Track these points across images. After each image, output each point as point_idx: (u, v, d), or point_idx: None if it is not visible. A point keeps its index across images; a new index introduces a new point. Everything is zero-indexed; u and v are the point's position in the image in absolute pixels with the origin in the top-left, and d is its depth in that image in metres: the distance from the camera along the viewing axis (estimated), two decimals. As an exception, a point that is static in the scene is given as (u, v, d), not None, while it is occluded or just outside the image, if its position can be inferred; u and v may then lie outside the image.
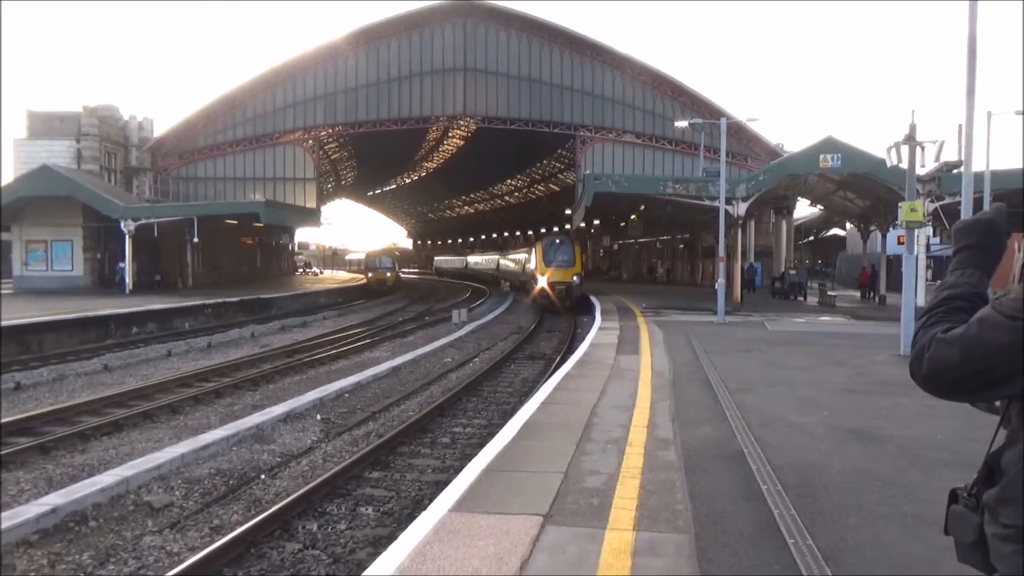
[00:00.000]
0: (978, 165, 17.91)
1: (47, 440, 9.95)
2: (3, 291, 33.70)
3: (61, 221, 34.99)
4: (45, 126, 41.45)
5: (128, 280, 32.70)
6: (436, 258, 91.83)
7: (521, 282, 40.76)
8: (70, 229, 35.48)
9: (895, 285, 29.51)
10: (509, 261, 48.73)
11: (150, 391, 13.76)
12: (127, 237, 32.90)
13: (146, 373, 16.41)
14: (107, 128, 42.96)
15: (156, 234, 34.42)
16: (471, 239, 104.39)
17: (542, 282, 32.04)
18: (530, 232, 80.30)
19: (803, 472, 6.52)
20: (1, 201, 32.22)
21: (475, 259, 68.69)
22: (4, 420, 11.06)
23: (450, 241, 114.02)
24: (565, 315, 29.52)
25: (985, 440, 1.76)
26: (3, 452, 9.29)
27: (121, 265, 33.65)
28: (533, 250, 35.01)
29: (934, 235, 29.10)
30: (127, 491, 7.88)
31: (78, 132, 41.33)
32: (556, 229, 65.13)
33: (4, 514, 6.93)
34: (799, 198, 39.90)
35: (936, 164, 18.96)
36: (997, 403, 1.70)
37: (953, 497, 1.74)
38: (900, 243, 17.69)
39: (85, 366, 16.92)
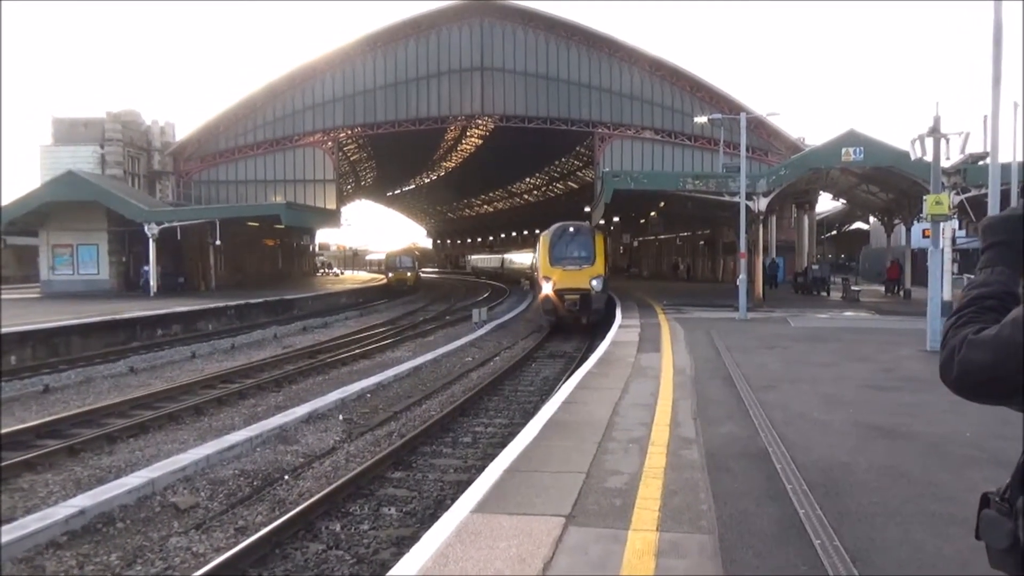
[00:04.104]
0: (1004, 156, 17.58)
1: (75, 442, 10.10)
2: (31, 295, 34.27)
3: (87, 225, 35.49)
4: (70, 132, 42.09)
5: (152, 283, 33.12)
6: (472, 257, 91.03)
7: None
8: (95, 233, 35.98)
9: (920, 279, 29.11)
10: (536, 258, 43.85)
11: (175, 393, 13.93)
12: (151, 240, 33.32)
13: (171, 375, 16.62)
14: (130, 133, 43.53)
15: (179, 237, 34.82)
16: (491, 238, 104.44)
17: (547, 288, 23.41)
18: (550, 229, 79.75)
19: (828, 470, 6.44)
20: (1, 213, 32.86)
21: (510, 256, 67.58)
22: (34, 423, 11.27)
23: (469, 240, 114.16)
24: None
25: (1013, 437, 1.72)
26: (33, 454, 9.46)
27: (145, 268, 34.08)
28: (537, 243, 26.47)
29: (960, 228, 28.65)
30: (153, 492, 7.98)
31: (102, 137, 41.92)
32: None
33: (34, 515, 7.05)
34: (821, 192, 39.45)
35: (961, 156, 18.64)
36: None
37: (985, 501, 1.70)
38: (925, 236, 17.43)
39: (111, 368, 17.17)
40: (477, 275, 76.68)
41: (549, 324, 23.85)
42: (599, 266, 23.75)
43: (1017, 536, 1.57)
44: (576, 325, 23.40)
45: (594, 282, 23.21)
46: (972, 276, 1.81)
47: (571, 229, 24.87)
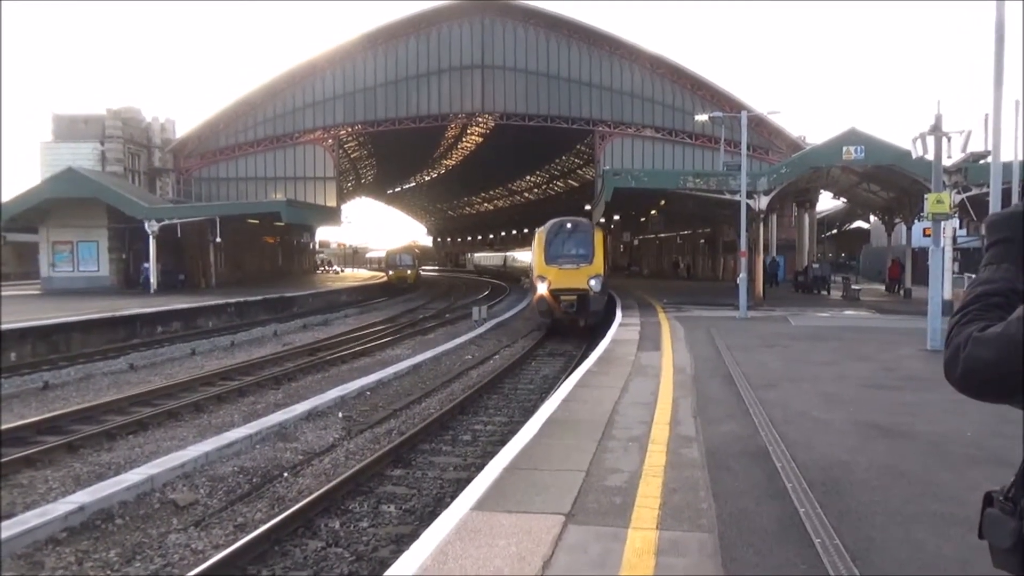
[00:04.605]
0: (1006, 155, 17.57)
1: (74, 439, 10.10)
2: (31, 292, 34.27)
3: (87, 222, 35.50)
4: (70, 129, 42.06)
5: (153, 280, 33.12)
6: (476, 255, 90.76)
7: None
8: (96, 230, 35.98)
9: (920, 278, 29.10)
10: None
11: (175, 390, 13.91)
12: (151, 237, 33.32)
13: (171, 372, 16.61)
14: (130, 130, 43.49)
15: (179, 234, 34.83)
16: (491, 236, 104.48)
17: (542, 288, 22.05)
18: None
19: (828, 469, 6.42)
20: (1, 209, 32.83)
21: (513, 254, 67.25)
22: (33, 419, 11.26)
23: (470, 238, 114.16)
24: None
25: (1013, 436, 1.71)
26: (32, 451, 9.45)
27: (146, 265, 34.09)
28: (533, 240, 24.56)
29: (961, 227, 28.64)
30: (152, 489, 7.98)
31: (102, 134, 41.89)
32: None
33: (33, 512, 7.04)
34: (822, 191, 39.42)
35: (963, 155, 18.65)
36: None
37: (988, 500, 1.68)
38: (926, 235, 17.42)
39: (111, 365, 17.17)
40: (480, 273, 76.09)
41: (545, 327, 22.80)
42: (598, 265, 22.26)
43: (1021, 535, 1.56)
44: (574, 327, 22.38)
45: (592, 282, 21.74)
46: (972, 275, 1.79)
47: (568, 225, 23.18)
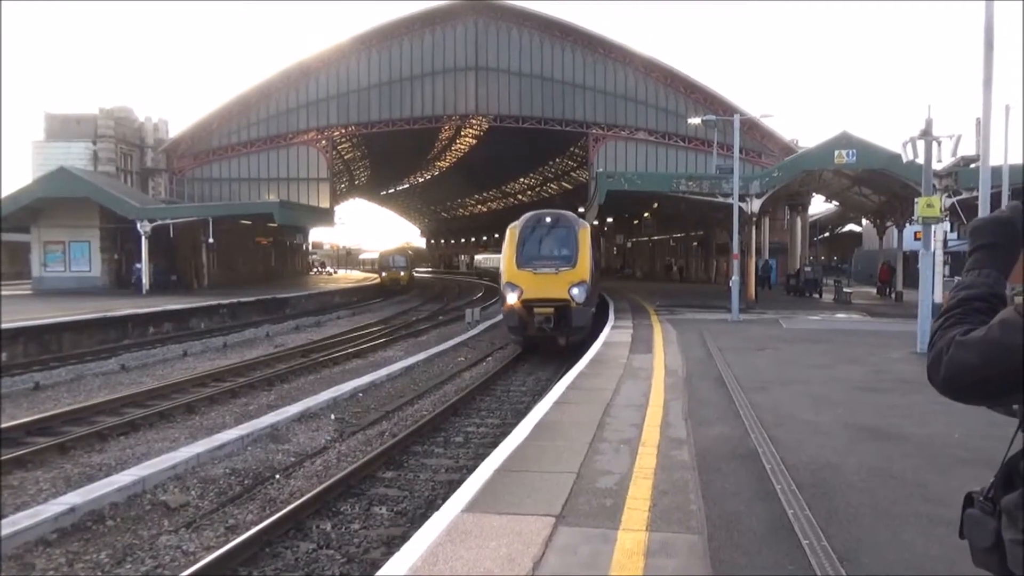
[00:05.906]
0: (996, 159, 17.70)
1: (65, 440, 10.06)
2: (22, 292, 34.08)
3: (78, 222, 35.34)
4: (62, 128, 41.87)
5: (145, 280, 32.99)
6: (477, 257, 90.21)
7: None
8: (87, 230, 35.84)
9: (911, 281, 29.25)
10: None
11: (166, 391, 13.88)
12: (143, 238, 33.17)
13: (162, 373, 16.56)
14: (123, 130, 43.35)
15: (172, 235, 34.72)
16: (484, 238, 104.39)
17: (512, 298, 17.61)
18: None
19: (818, 471, 6.46)
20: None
21: None
22: (24, 420, 11.21)
23: (463, 240, 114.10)
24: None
25: (1001, 438, 1.73)
26: (23, 452, 9.41)
27: (138, 265, 33.95)
28: (504, 239, 19.16)
29: (951, 230, 28.81)
30: (143, 490, 7.95)
31: (95, 134, 41.74)
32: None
33: (24, 513, 7.01)
34: (814, 194, 39.59)
35: (953, 159, 18.79)
36: (1015, 406, 1.66)
37: (969, 501, 1.71)
38: (917, 239, 17.52)
39: (103, 366, 17.09)
40: (480, 275, 74.71)
41: (519, 344, 18.61)
42: (582, 269, 17.84)
43: (1000, 535, 1.58)
44: (553, 346, 18.13)
45: (575, 291, 17.40)
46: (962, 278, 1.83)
47: (547, 220, 18.67)
